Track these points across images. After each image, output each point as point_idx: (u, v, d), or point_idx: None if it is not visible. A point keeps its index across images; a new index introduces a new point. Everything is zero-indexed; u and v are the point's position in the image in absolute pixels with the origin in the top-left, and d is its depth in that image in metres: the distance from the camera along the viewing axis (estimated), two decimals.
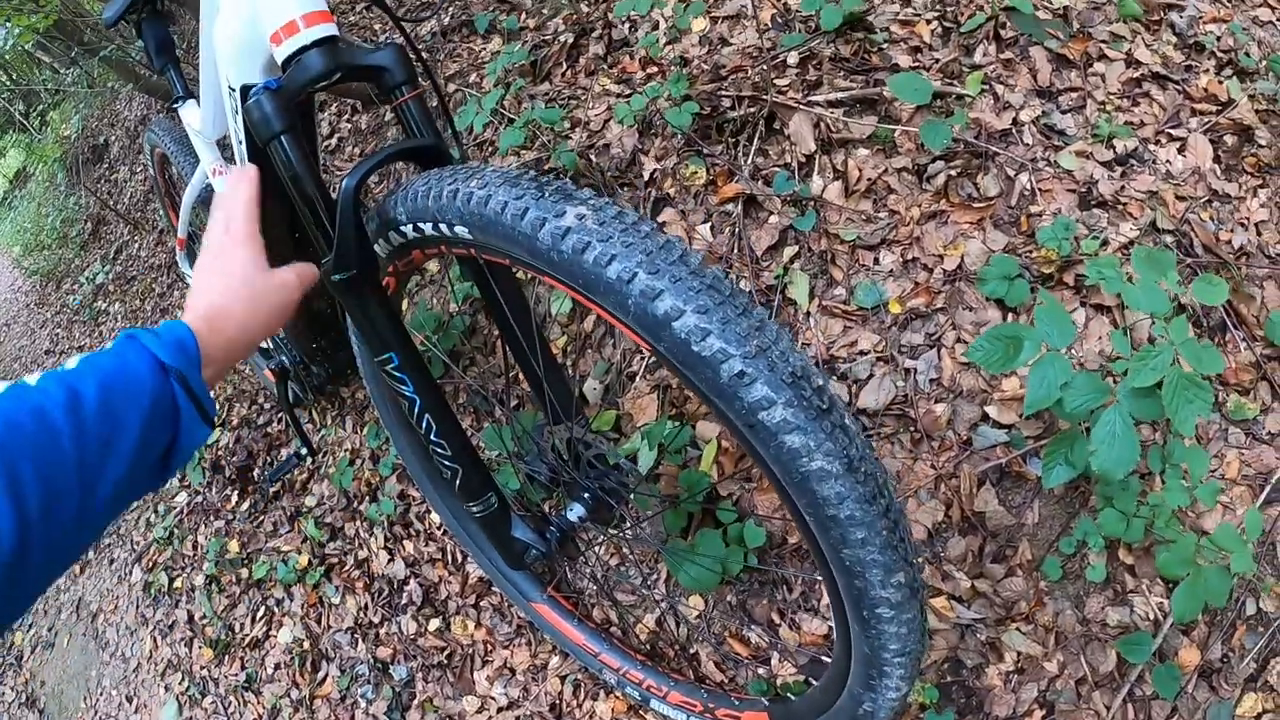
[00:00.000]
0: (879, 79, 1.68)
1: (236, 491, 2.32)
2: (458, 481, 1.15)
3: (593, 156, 1.85)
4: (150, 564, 2.43)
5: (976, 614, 1.25)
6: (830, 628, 1.33)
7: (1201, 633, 1.14)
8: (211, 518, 2.34)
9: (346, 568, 1.98)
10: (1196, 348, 1.00)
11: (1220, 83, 1.49)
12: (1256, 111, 1.45)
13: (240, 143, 1.13)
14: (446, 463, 1.13)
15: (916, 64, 1.68)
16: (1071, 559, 1.22)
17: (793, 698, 1.17)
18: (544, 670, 1.59)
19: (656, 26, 1.98)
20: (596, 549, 1.59)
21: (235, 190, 0.87)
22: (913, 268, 1.50)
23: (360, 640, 1.83)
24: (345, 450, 2.09)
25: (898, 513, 0.79)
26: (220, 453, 2.43)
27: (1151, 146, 1.44)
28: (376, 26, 2.82)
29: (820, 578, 0.93)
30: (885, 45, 1.71)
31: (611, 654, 1.47)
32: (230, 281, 0.78)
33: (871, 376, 1.44)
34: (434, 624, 1.74)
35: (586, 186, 1.81)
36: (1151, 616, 1.15)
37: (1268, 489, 1.18)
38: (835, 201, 1.60)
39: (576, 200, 0.80)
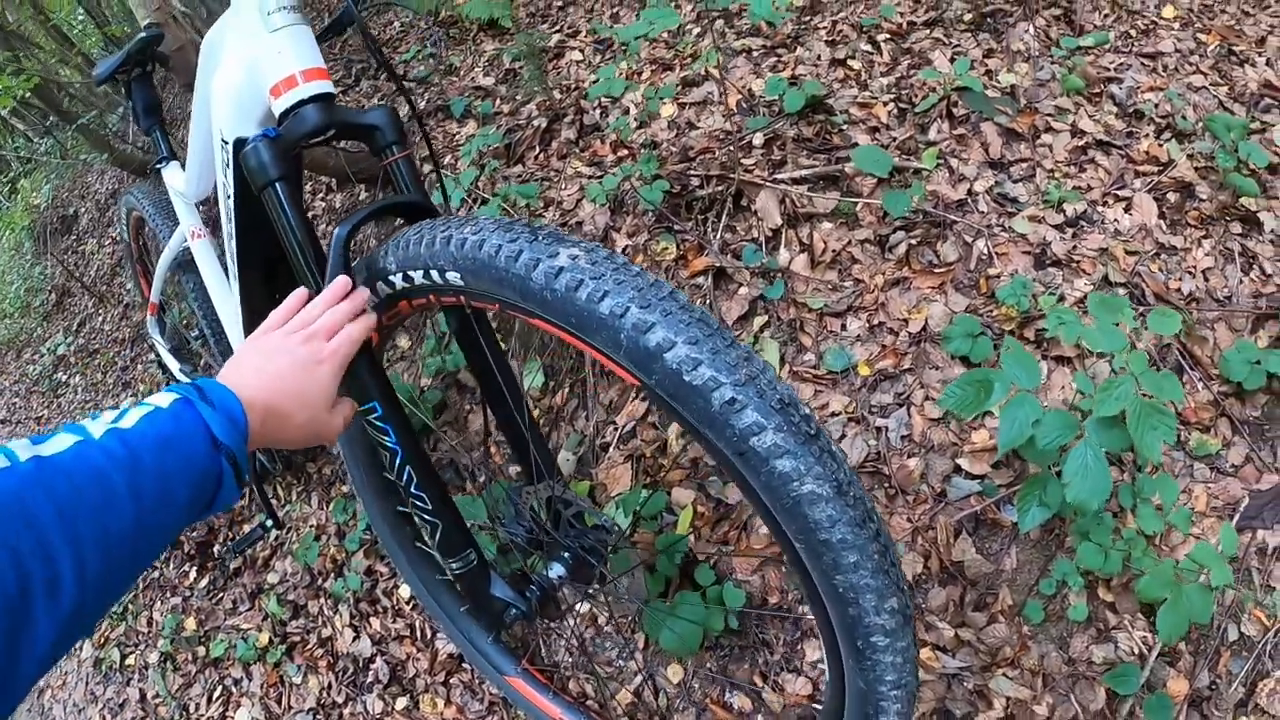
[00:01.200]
0: (841, 156, 1.79)
1: (195, 567, 2.25)
2: (437, 536, 1.14)
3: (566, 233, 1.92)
4: (102, 639, 2.32)
5: (962, 662, 1.26)
6: (815, 686, 1.32)
7: (1187, 662, 1.17)
8: (168, 594, 2.25)
9: (309, 646, 1.91)
10: (1155, 377, 1.07)
11: (1160, 145, 1.62)
12: (1196, 169, 1.58)
13: (229, 196, 1.17)
14: (427, 517, 1.12)
15: (875, 141, 1.79)
16: (1052, 600, 1.25)
17: None
18: None
19: (627, 112, 2.08)
20: (573, 617, 1.57)
21: (355, 323, 0.89)
22: (879, 332, 1.57)
23: None
24: (310, 526, 2.05)
25: (887, 538, 0.82)
26: None
27: (1100, 208, 1.55)
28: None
29: (811, 614, 0.93)
30: (845, 126, 1.83)
31: None
32: (303, 397, 0.79)
33: (844, 436, 1.48)
34: (401, 703, 1.68)
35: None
36: (1136, 651, 1.18)
37: (1237, 517, 1.23)
38: (802, 272, 1.67)
39: (569, 243, 0.84)
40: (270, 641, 1.96)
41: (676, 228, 1.80)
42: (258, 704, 1.84)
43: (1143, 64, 1.77)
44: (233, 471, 0.66)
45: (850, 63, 1.94)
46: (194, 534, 2.32)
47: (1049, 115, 1.70)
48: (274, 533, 2.03)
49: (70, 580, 0.50)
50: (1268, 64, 1.80)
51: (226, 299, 1.67)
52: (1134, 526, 1.18)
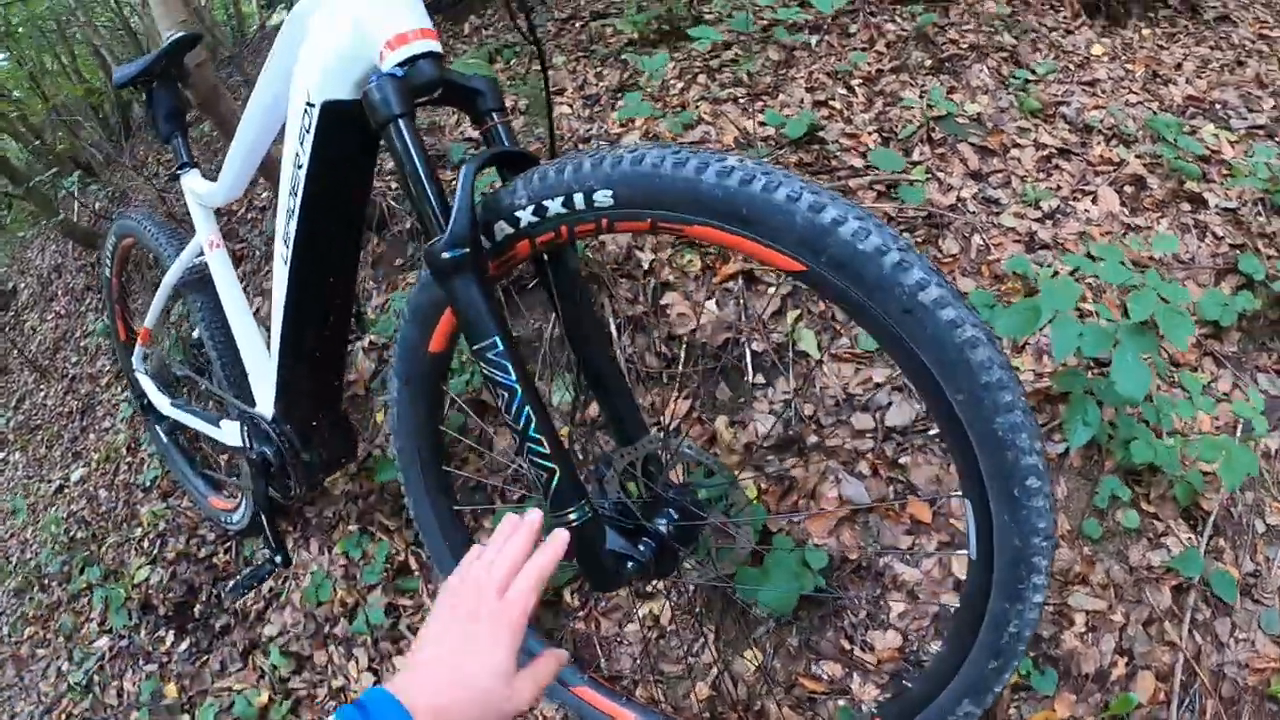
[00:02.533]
0: (841, 175, 2.00)
1: (173, 631, 2.08)
2: (553, 486, 1.11)
3: (589, 254, 2.03)
4: (64, 715, 2.10)
5: None
6: (904, 637, 1.38)
7: (1230, 555, 1.32)
8: (141, 661, 2.08)
9: (319, 699, 1.81)
10: (1170, 288, 1.27)
11: (1111, 149, 1.92)
12: (1144, 165, 1.89)
13: (300, 167, 1.19)
14: (543, 462, 1.09)
15: (868, 164, 2.02)
16: (1105, 516, 1.39)
17: (907, 684, 1.19)
18: None
19: None
20: (637, 621, 1.57)
21: (539, 554, 0.81)
22: None
23: None
24: (309, 573, 1.95)
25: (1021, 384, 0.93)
26: (150, 591, 2.19)
27: (1071, 202, 1.81)
28: None
29: (959, 489, 1.01)
30: (839, 153, 2.06)
31: None
32: (467, 690, 0.70)
33: (891, 404, 1.61)
34: None
35: (587, 278, 1.97)
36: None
37: (1239, 430, 1.42)
38: None
39: (724, 152, 0.95)
40: (271, 700, 1.83)
41: (697, 243, 1.94)
42: None
43: (1084, 89, 2.11)
44: None
45: (831, 103, 2.19)
46: (171, 595, 2.17)
47: (1014, 134, 1.99)
48: (281, 567, 1.93)
49: None
50: (1187, 82, 2.19)
51: (243, 313, 1.64)
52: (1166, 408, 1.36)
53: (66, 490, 2.99)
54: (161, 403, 2.09)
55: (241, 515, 1.98)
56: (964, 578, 1.06)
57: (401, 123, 1.02)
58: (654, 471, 1.25)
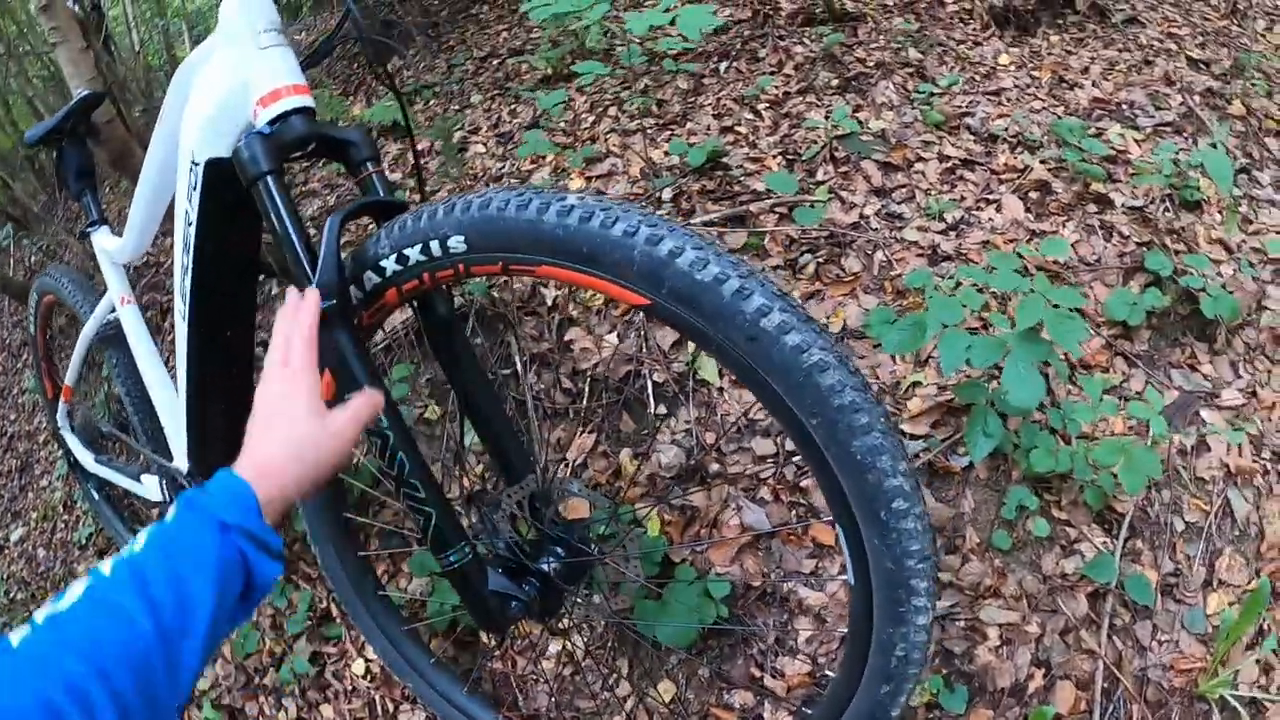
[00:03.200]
0: (743, 200, 2.00)
1: None
2: (431, 528, 1.10)
3: (495, 292, 2.02)
4: None
5: (948, 603, 1.35)
6: (814, 662, 1.36)
7: (1149, 556, 1.31)
8: None
9: None
10: (1058, 292, 1.28)
11: (1016, 157, 1.94)
12: (1049, 170, 1.90)
13: (190, 224, 1.20)
14: (420, 506, 1.09)
15: (770, 189, 2.02)
16: (1015, 526, 1.37)
17: (808, 712, 1.18)
18: None
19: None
20: (546, 659, 1.54)
21: (296, 316, 0.90)
22: None
23: None
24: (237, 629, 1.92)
25: (882, 405, 0.92)
26: None
27: (974, 212, 1.82)
28: None
29: (829, 513, 1.00)
30: (742, 177, 2.06)
31: None
32: (287, 432, 0.79)
33: None
34: None
35: (493, 318, 1.96)
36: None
37: (1150, 430, 1.42)
38: None
39: (568, 192, 0.95)
40: None
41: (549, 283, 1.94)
42: None
43: (989, 99, 2.14)
44: (257, 548, 0.69)
45: (738, 129, 2.20)
46: None
47: (918, 148, 2.00)
48: None
49: (109, 709, 0.55)
50: (1093, 85, 2.22)
51: (156, 368, 1.64)
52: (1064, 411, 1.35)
53: (6, 551, 2.96)
54: (86, 459, 2.08)
55: None
56: (848, 599, 1.04)
57: (269, 179, 1.03)
58: (542, 510, 1.24)
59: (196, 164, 1.13)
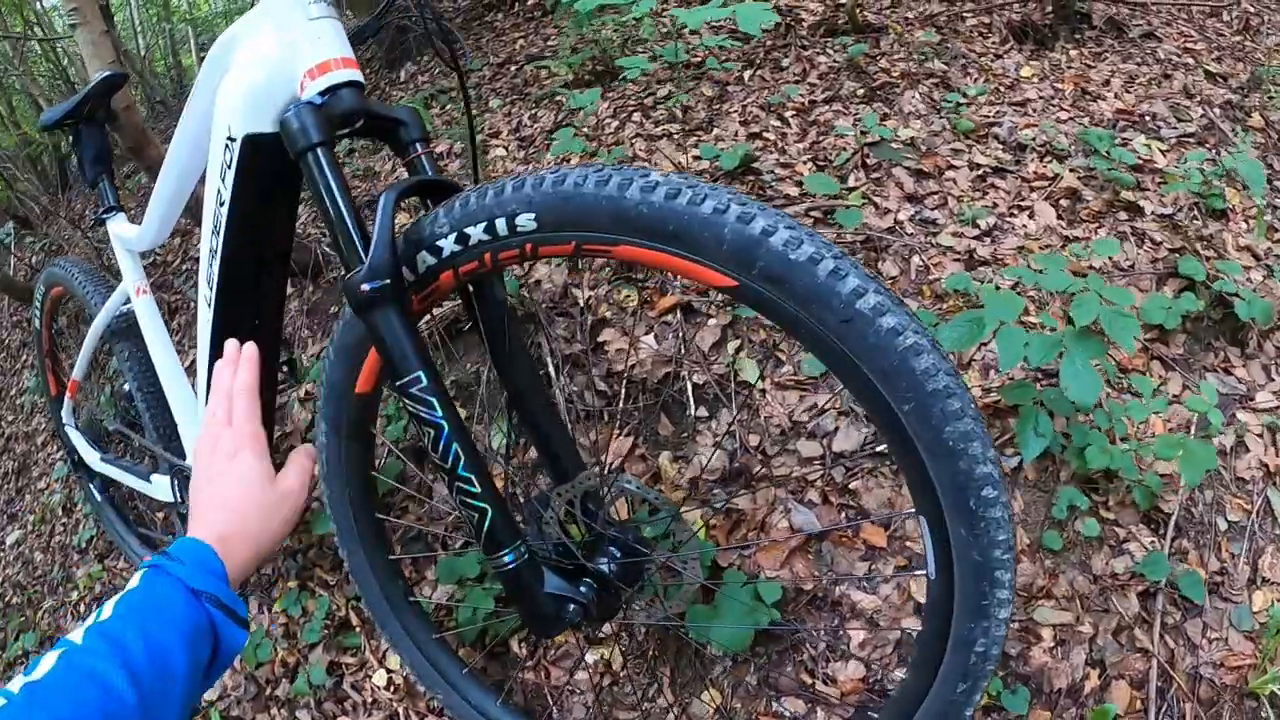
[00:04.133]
0: (777, 204, 2.00)
1: None
2: (485, 527, 1.05)
3: (525, 292, 1.99)
4: None
5: None
6: (867, 667, 1.34)
7: (1194, 555, 1.31)
8: None
9: None
10: (1112, 291, 1.28)
11: (1045, 165, 1.96)
12: (1079, 178, 1.93)
13: (223, 204, 1.16)
14: (474, 502, 1.05)
15: (804, 192, 2.02)
16: (1065, 526, 1.37)
17: (873, 715, 1.15)
18: None
19: None
20: (586, 669, 1.51)
21: (236, 375, 0.89)
22: None
23: None
24: (249, 634, 1.87)
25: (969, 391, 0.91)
26: None
27: (1008, 219, 1.83)
28: None
29: (913, 505, 0.98)
30: (774, 182, 2.06)
31: None
32: (239, 504, 0.80)
33: (837, 429, 1.59)
34: None
35: (523, 319, 1.93)
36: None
37: (1193, 429, 1.42)
38: None
39: (650, 169, 0.93)
40: None
41: (635, 278, 1.92)
42: None
43: (1015, 109, 2.16)
44: (225, 614, 0.69)
45: (765, 135, 2.21)
46: None
47: (948, 156, 2.01)
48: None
49: None
50: (1115, 97, 2.25)
51: (171, 361, 1.60)
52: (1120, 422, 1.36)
53: (2, 554, 2.89)
54: (92, 458, 2.03)
55: None
56: (924, 599, 1.02)
57: (320, 151, 1.00)
58: (594, 510, 1.21)
59: (234, 139, 1.10)
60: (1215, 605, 1.33)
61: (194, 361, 2.38)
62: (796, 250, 0.86)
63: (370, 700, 1.66)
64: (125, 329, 1.76)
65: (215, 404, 0.87)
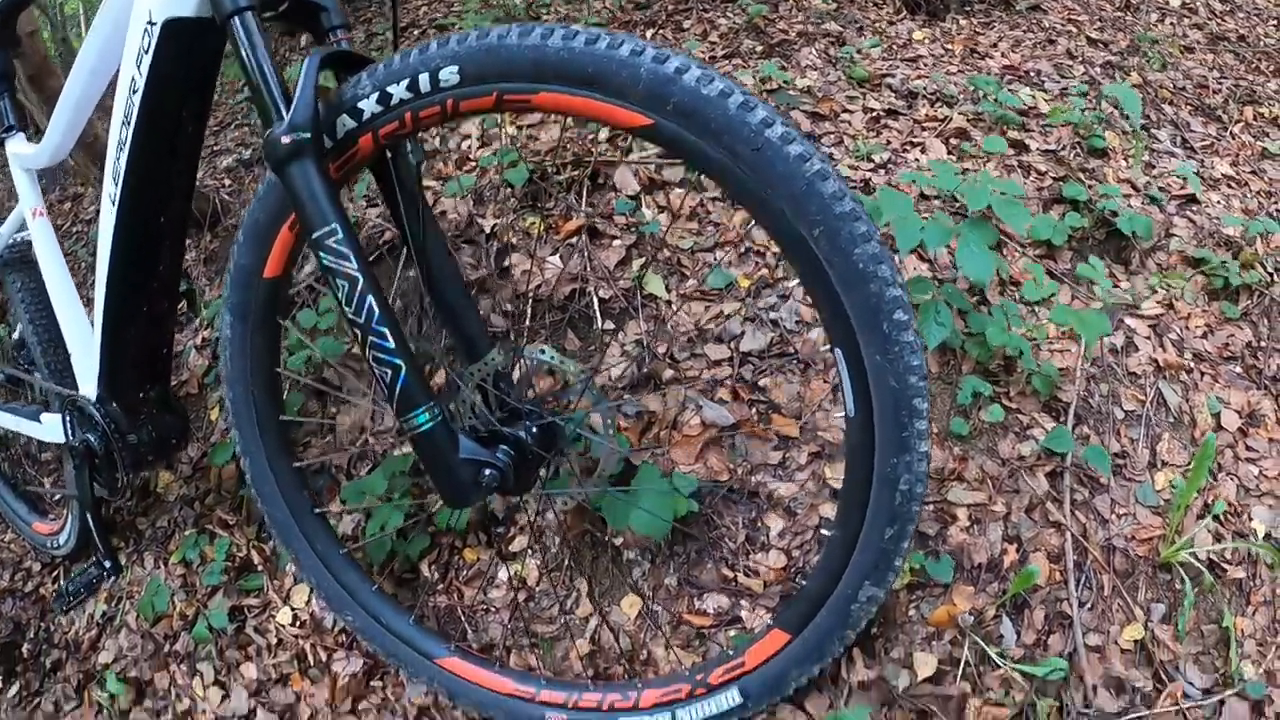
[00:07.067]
0: None
1: (0, 675, 1.90)
2: (399, 386, 1.09)
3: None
4: None
5: None
6: (788, 555, 1.43)
7: (1095, 440, 1.49)
8: None
9: None
10: (1002, 182, 1.45)
11: (936, 109, 2.17)
12: (968, 120, 2.15)
13: (136, 91, 1.21)
14: (387, 358, 1.08)
15: None
16: (970, 413, 1.52)
17: (801, 583, 1.23)
18: None
19: (469, 136, 2.33)
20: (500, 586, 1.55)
21: None
22: (748, 256, 1.85)
23: None
24: (145, 588, 1.83)
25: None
26: None
27: (901, 154, 2.03)
28: None
29: (827, 335, 1.06)
30: None
31: (551, 689, 1.38)
32: None
33: (743, 333, 1.69)
34: None
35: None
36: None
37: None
38: (665, 225, 1.95)
39: (566, 24, 1.04)
40: None
41: (540, 206, 2.02)
42: None
43: (907, 64, 2.39)
44: None
45: None
46: None
47: (843, 102, 2.20)
48: (110, 577, 1.79)
49: None
50: (1003, 56, 2.53)
51: (67, 287, 1.61)
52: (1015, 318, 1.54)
53: None
54: None
55: (68, 535, 1.92)
56: (845, 438, 1.13)
57: (247, 14, 1.06)
58: (507, 389, 1.27)
59: (153, 24, 1.15)
60: (1120, 484, 1.48)
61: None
62: (709, 85, 0.97)
63: (275, 641, 1.66)
64: (17, 259, 1.77)
65: None
